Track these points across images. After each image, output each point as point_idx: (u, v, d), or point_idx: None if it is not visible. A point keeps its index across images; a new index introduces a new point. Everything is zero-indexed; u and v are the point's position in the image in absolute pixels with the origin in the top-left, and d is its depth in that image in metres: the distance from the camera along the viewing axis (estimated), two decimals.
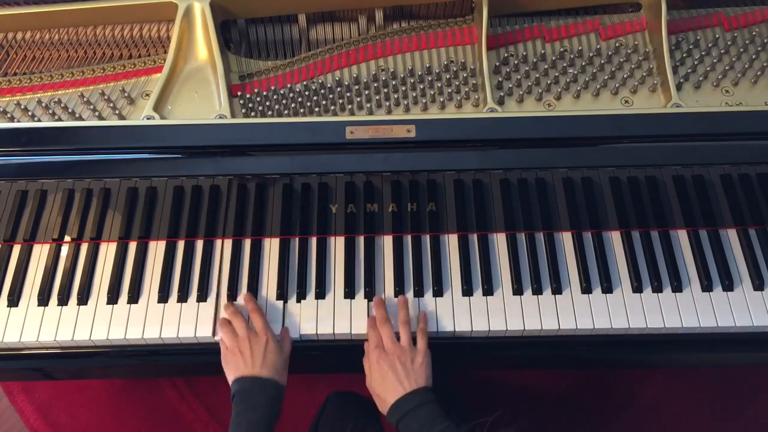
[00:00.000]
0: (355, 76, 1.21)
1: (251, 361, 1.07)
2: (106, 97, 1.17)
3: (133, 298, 1.20)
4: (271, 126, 1.10)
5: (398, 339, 1.10)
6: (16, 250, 1.25)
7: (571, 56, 1.22)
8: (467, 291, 1.19)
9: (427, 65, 1.21)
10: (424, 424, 0.99)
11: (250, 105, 1.17)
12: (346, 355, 1.21)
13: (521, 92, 1.19)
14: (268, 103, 1.18)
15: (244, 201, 1.19)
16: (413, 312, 1.17)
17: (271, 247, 1.25)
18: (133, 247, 1.25)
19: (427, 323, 1.15)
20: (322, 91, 1.19)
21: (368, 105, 1.17)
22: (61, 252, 1.25)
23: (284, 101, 1.18)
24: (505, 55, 1.23)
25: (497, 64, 1.21)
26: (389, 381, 1.05)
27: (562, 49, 1.24)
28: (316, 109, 1.17)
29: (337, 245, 1.25)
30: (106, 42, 1.26)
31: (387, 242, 1.24)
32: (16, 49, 1.27)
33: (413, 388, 1.03)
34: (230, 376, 1.09)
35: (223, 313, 1.17)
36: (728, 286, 1.20)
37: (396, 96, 1.18)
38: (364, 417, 1.29)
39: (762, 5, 1.28)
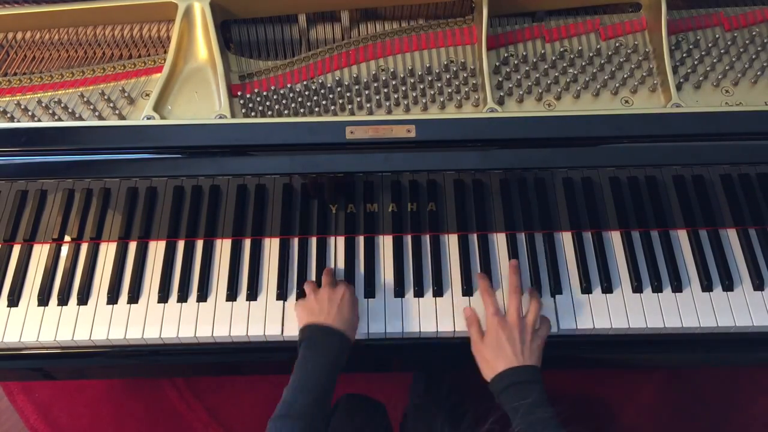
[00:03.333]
0: (355, 76, 1.21)
1: (326, 310, 1.09)
2: (106, 97, 1.17)
3: (133, 298, 1.20)
4: (271, 126, 1.10)
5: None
6: (16, 250, 1.25)
7: (571, 56, 1.22)
8: (467, 291, 1.19)
9: (427, 65, 1.21)
10: (530, 402, 0.98)
11: (250, 105, 1.17)
12: (350, 355, 1.21)
13: (521, 92, 1.19)
14: (268, 103, 1.18)
15: (244, 201, 1.19)
16: (417, 310, 1.17)
17: (271, 247, 1.25)
18: (133, 247, 1.25)
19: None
20: (322, 91, 1.19)
21: (368, 105, 1.17)
22: (61, 252, 1.25)
23: (284, 101, 1.18)
24: (505, 55, 1.23)
25: (497, 64, 1.21)
26: (504, 350, 1.04)
27: (562, 49, 1.24)
28: (316, 109, 1.17)
29: (337, 245, 1.25)
30: (106, 42, 1.26)
31: (387, 242, 1.24)
32: (16, 49, 1.27)
33: (526, 363, 1.03)
34: (301, 322, 1.11)
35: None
36: (728, 286, 1.20)
37: (396, 96, 1.18)
38: (376, 420, 1.29)
39: (762, 5, 1.28)
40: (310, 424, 0.97)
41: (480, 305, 1.16)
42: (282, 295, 1.20)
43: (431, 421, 1.35)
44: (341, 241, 1.25)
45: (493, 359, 1.05)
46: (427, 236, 1.25)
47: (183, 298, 1.20)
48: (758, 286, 1.20)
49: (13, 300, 1.20)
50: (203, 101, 1.18)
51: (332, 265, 1.23)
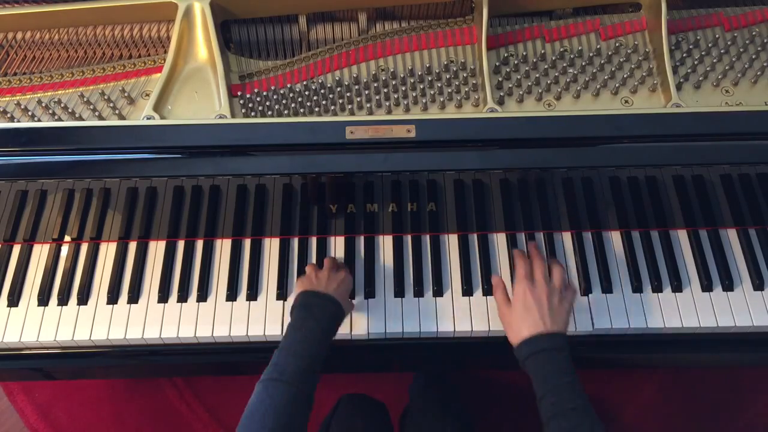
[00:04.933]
0: (355, 76, 1.21)
1: (324, 284, 1.09)
2: (106, 97, 1.17)
3: (133, 298, 1.20)
4: (271, 126, 1.10)
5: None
6: (16, 250, 1.25)
7: (571, 56, 1.22)
8: (467, 291, 1.20)
9: (427, 65, 1.21)
10: (555, 369, 0.96)
11: (250, 105, 1.17)
12: (350, 355, 1.22)
13: (521, 92, 1.19)
14: (268, 103, 1.18)
15: (244, 201, 1.19)
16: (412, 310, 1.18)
17: (271, 247, 1.25)
18: (133, 247, 1.25)
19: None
20: (322, 91, 1.19)
21: (368, 105, 1.17)
22: (61, 252, 1.25)
23: (284, 101, 1.18)
24: (505, 55, 1.23)
25: (497, 64, 1.21)
26: (531, 315, 1.02)
27: (562, 49, 1.24)
28: (316, 109, 1.17)
29: (337, 245, 1.25)
30: (106, 42, 1.26)
31: (387, 242, 1.24)
32: (16, 49, 1.27)
33: (553, 330, 1.01)
34: (298, 290, 1.10)
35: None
36: (728, 286, 1.20)
37: (396, 96, 1.18)
38: (376, 420, 1.28)
39: (762, 5, 1.28)
40: (301, 390, 0.95)
41: (481, 303, 1.16)
42: (282, 295, 1.20)
43: (430, 420, 1.36)
44: (341, 241, 1.25)
45: (519, 324, 1.03)
46: (427, 236, 1.25)
47: (183, 298, 1.20)
48: (758, 286, 1.20)
49: (13, 300, 1.20)
50: (203, 101, 1.18)
51: None
